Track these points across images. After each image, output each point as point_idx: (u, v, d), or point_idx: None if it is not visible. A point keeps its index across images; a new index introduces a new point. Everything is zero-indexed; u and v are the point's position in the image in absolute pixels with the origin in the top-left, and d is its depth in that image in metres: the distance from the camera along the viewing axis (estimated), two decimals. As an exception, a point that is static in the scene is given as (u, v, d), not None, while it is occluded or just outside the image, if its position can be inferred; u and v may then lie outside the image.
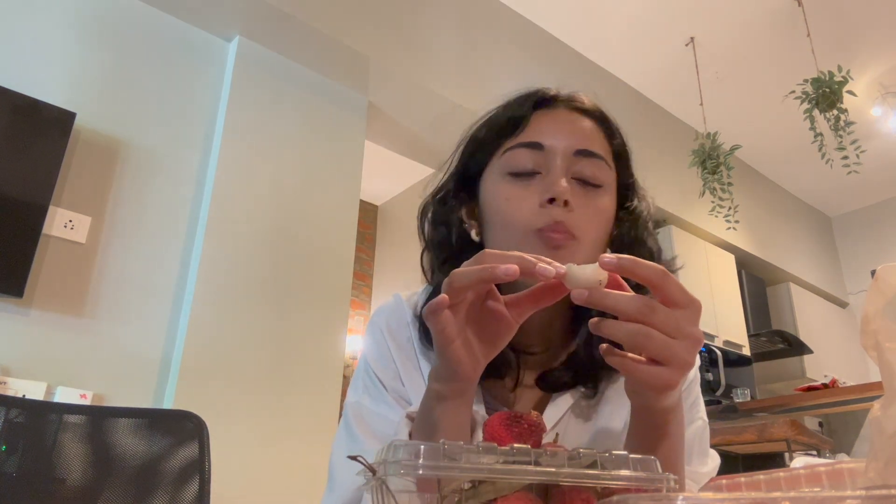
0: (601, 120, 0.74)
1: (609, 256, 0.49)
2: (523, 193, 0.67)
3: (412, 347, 0.73)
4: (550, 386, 0.70)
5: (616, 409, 0.70)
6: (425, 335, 0.70)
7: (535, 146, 0.69)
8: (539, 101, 0.73)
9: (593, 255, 0.68)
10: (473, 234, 0.72)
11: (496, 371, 0.70)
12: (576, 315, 0.71)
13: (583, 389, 0.70)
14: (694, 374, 0.75)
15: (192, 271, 2.22)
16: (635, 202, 0.76)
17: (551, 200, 0.65)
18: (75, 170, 2.10)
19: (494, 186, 0.70)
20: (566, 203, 0.65)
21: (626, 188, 0.75)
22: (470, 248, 0.72)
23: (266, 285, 2.34)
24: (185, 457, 1.03)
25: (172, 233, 2.26)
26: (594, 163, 0.69)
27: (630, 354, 0.50)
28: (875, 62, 3.80)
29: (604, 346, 0.52)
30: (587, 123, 0.72)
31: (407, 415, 0.62)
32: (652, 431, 0.55)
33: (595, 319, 0.51)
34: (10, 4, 2.11)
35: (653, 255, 0.75)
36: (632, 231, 0.73)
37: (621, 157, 0.74)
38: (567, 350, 0.71)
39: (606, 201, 0.70)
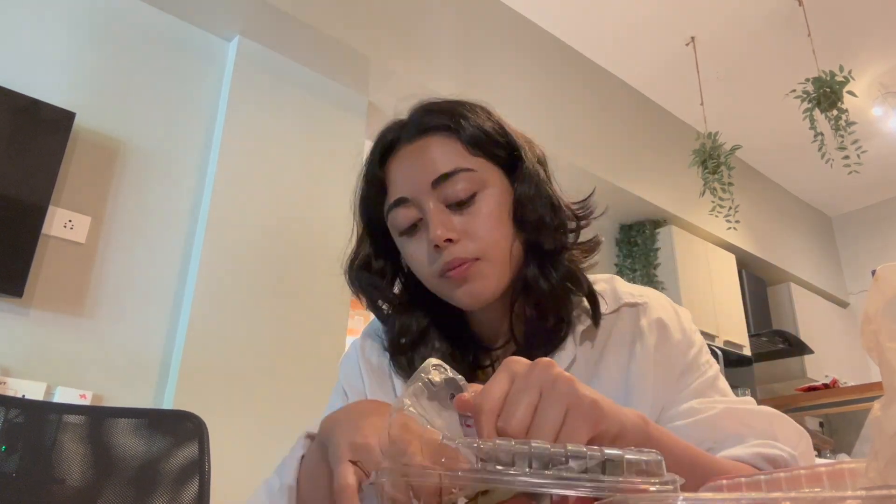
0: (442, 125, 0.72)
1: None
2: (418, 246, 0.71)
3: (387, 367, 0.79)
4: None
5: (617, 359, 0.71)
6: (395, 364, 0.78)
7: (402, 202, 0.71)
8: (384, 152, 0.75)
9: (504, 252, 0.70)
10: (398, 282, 0.79)
11: (474, 376, 0.74)
12: (513, 306, 0.73)
13: (580, 346, 0.72)
14: (701, 343, 0.74)
15: (192, 271, 2.21)
16: (524, 164, 0.73)
17: (436, 247, 0.68)
18: (75, 170, 2.10)
19: (399, 246, 0.75)
20: (449, 240, 0.67)
21: (508, 155, 0.73)
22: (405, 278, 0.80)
23: (266, 285, 2.34)
24: (185, 457, 1.03)
25: (172, 233, 2.26)
26: (454, 180, 0.69)
27: None
28: (875, 62, 3.80)
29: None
30: (430, 142, 0.71)
31: (307, 434, 0.64)
32: None
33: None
34: (10, 4, 2.11)
35: (553, 204, 0.73)
36: (531, 192, 0.72)
37: (485, 137, 0.72)
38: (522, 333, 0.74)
39: (488, 202, 0.70)
